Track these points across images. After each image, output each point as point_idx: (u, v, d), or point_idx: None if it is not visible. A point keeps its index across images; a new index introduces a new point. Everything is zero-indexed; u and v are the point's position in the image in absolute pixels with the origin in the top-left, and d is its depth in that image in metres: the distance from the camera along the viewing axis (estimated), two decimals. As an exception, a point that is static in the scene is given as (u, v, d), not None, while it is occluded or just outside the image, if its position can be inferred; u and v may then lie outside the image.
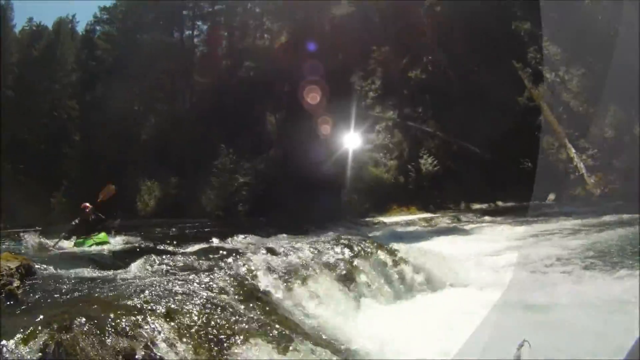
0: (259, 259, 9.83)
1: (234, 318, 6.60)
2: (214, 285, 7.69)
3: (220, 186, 43.92)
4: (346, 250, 11.47)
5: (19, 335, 4.90)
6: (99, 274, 8.20)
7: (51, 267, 8.65)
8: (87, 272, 8.48)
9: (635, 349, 3.37)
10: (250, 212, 40.13)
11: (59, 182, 55.25)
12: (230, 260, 9.55)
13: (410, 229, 27.46)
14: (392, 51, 42.13)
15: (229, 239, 15.69)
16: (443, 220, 29.91)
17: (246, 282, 8.43)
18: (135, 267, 8.84)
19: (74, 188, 52.12)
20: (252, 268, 9.21)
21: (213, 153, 44.60)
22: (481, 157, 35.09)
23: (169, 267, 8.89)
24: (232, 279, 8.23)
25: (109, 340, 5.13)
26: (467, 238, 21.84)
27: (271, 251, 10.57)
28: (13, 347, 4.76)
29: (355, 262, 11.03)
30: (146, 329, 5.49)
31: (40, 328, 5.05)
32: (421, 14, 41.43)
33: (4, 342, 4.82)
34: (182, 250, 11.61)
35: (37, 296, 6.46)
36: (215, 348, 5.79)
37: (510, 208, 31.05)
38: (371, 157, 39.82)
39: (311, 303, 8.81)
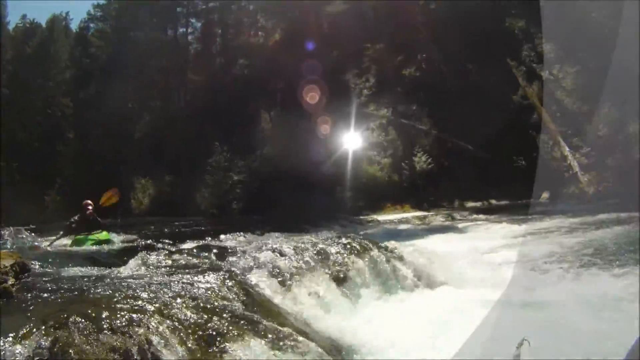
0: (254, 257, 9.85)
1: (229, 316, 6.60)
2: (209, 284, 7.68)
3: (215, 184, 43.91)
4: (340, 249, 11.48)
5: (14, 333, 4.88)
6: (94, 272, 8.20)
7: (46, 265, 8.67)
8: (82, 270, 8.49)
9: (635, 348, 3.38)
10: (244, 210, 40.13)
11: (52, 181, 55.17)
12: (224, 258, 9.59)
13: (404, 227, 27.49)
14: (386, 49, 42.13)
15: (224, 237, 15.69)
16: (437, 218, 29.99)
17: (241, 280, 8.43)
18: (130, 265, 8.85)
19: (68, 186, 52.13)
20: (247, 266, 9.24)
21: (207, 151, 44.58)
22: (475, 155, 35.13)
23: (163, 266, 8.90)
24: (226, 277, 8.22)
25: (104, 338, 5.12)
26: (460, 236, 21.89)
27: (266, 249, 10.57)
28: (8, 345, 4.74)
29: (350, 260, 11.04)
30: (142, 327, 5.49)
31: (35, 326, 5.04)
32: (416, 11, 41.46)
33: (-1, 339, 4.81)
34: (176, 249, 11.61)
35: (32, 294, 6.44)
36: (211, 346, 5.79)
37: (504, 206, 31.12)
38: (365, 155, 39.85)
39: (306, 301, 8.83)
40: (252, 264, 9.43)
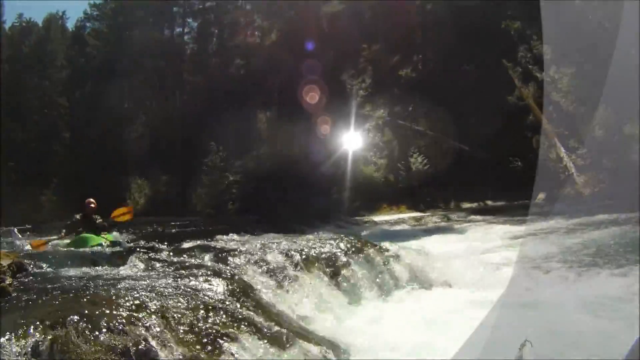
0: (250, 257, 9.88)
1: (226, 316, 6.63)
2: (206, 284, 7.72)
3: (211, 184, 43.90)
4: (336, 249, 11.52)
5: (11, 333, 4.90)
6: (91, 272, 8.21)
7: (43, 265, 8.66)
8: (80, 269, 8.49)
9: (635, 348, 3.39)
10: (240, 211, 40.12)
11: (49, 180, 55.01)
12: (221, 258, 9.60)
13: (400, 227, 27.57)
14: (382, 49, 42.17)
15: (220, 238, 15.70)
16: (433, 219, 30.05)
17: (238, 280, 8.46)
18: (127, 265, 8.89)
19: (64, 186, 52.01)
20: (244, 266, 9.27)
21: (203, 151, 44.56)
22: (471, 156, 35.19)
23: (160, 266, 8.93)
24: (223, 277, 8.26)
25: (102, 338, 5.14)
26: (457, 237, 21.93)
27: (262, 250, 10.61)
28: (6, 344, 4.76)
29: (346, 260, 11.09)
30: (140, 326, 5.51)
31: (33, 325, 5.05)
32: (412, 12, 41.50)
33: (-4, 339, 4.82)
34: (173, 249, 11.60)
35: (29, 293, 6.45)
36: (208, 346, 5.81)
37: (501, 207, 31.15)
38: (361, 156, 39.86)
39: (302, 301, 8.85)
40: (248, 264, 9.46)
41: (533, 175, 29.25)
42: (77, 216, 14.20)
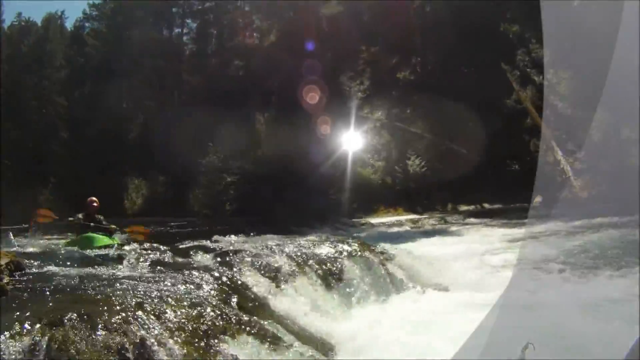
0: (247, 258, 9.89)
1: (222, 316, 6.65)
2: (203, 284, 7.73)
3: (208, 185, 43.85)
4: (333, 251, 11.55)
5: (9, 331, 4.91)
6: (89, 271, 8.19)
7: (41, 264, 8.64)
8: (77, 269, 8.48)
9: (635, 348, 3.42)
10: (237, 212, 40.08)
11: (47, 180, 55.02)
12: (218, 259, 9.62)
13: (397, 229, 27.62)
14: (381, 52, 42.17)
15: (217, 238, 15.66)
16: (430, 221, 30.11)
17: (235, 281, 8.48)
18: (124, 264, 8.89)
19: (62, 185, 52.02)
20: (240, 267, 9.27)
21: (201, 152, 44.54)
22: (468, 159, 35.20)
23: (157, 266, 8.93)
24: (220, 278, 8.28)
25: (100, 336, 5.16)
26: (454, 239, 21.97)
27: (259, 251, 10.62)
28: (3, 342, 4.77)
29: (343, 262, 11.10)
30: (137, 325, 5.53)
31: (30, 324, 5.07)
32: (411, 14, 41.51)
33: (-5, 336, 4.83)
34: (170, 249, 11.60)
35: (27, 292, 6.46)
36: (205, 345, 5.84)
37: (498, 210, 31.23)
38: (359, 158, 39.88)
39: (299, 302, 8.87)
40: (245, 264, 9.47)
41: (530, 178, 29.28)
42: (80, 215, 13.58)
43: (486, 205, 34.79)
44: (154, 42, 58.38)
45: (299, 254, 10.86)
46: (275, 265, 9.81)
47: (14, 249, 13.32)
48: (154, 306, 6.13)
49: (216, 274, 8.37)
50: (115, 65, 54.91)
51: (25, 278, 7.42)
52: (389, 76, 41.21)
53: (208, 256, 9.92)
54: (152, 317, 5.82)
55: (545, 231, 20.92)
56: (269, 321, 7.31)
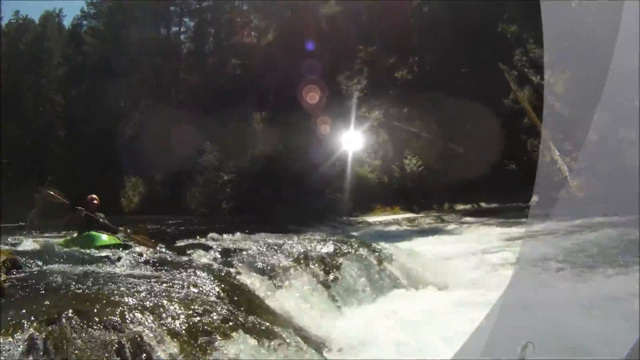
0: (244, 257, 9.91)
1: (219, 314, 6.65)
2: (200, 282, 7.74)
3: (205, 183, 43.88)
4: (330, 249, 11.58)
5: (6, 329, 4.91)
6: (86, 269, 8.18)
7: (38, 262, 8.63)
8: (74, 266, 8.47)
9: (635, 348, 3.43)
10: (234, 210, 40.10)
11: (44, 178, 54.89)
12: (214, 258, 9.63)
13: (394, 228, 27.64)
14: (379, 51, 42.19)
15: (214, 237, 15.69)
16: (426, 220, 30.12)
17: (231, 279, 8.49)
18: (122, 262, 8.88)
19: (59, 184, 51.93)
20: (237, 265, 9.28)
21: (198, 150, 44.56)
22: (465, 158, 35.23)
23: (154, 264, 8.93)
24: (217, 276, 8.29)
25: (97, 334, 5.16)
26: (450, 238, 22.01)
27: (256, 249, 10.65)
28: (0, 340, 4.77)
29: (339, 260, 11.13)
30: (134, 323, 5.53)
31: (27, 321, 5.06)
32: (408, 14, 41.53)
33: (-10, 334, 4.83)
34: (167, 248, 11.60)
35: (23, 290, 6.46)
36: (202, 343, 5.84)
37: (494, 209, 31.25)
38: (356, 157, 39.89)
39: (295, 300, 8.87)
40: (242, 263, 9.49)
41: (527, 177, 29.33)
42: (81, 213, 12.99)
43: (483, 205, 34.84)
44: (152, 41, 58.42)
45: (295, 252, 10.88)
46: (272, 263, 9.83)
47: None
48: (151, 304, 6.14)
49: (213, 273, 8.38)
50: (113, 64, 54.94)
51: (22, 276, 7.42)
52: (386, 76, 41.22)
53: (205, 255, 9.92)
54: (149, 315, 5.82)
55: (542, 230, 20.93)
56: (266, 319, 7.31)
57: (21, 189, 46.69)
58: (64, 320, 5.15)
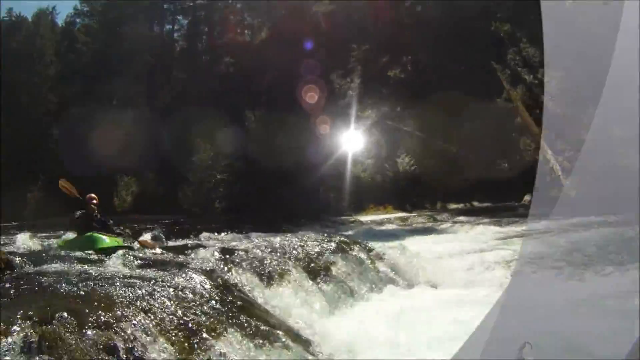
0: (237, 256, 9.94)
1: (211, 314, 6.71)
2: (193, 282, 7.76)
3: (198, 183, 43.83)
4: (322, 248, 11.62)
5: None
6: (79, 269, 8.19)
7: (31, 263, 8.63)
8: (67, 267, 8.48)
9: (635, 348, 3.47)
10: (227, 209, 40.11)
11: (36, 177, 54.70)
12: (207, 257, 9.65)
13: (387, 227, 27.63)
14: (372, 50, 42.18)
15: (207, 236, 15.75)
16: (419, 219, 30.10)
17: (223, 279, 8.54)
18: (115, 262, 8.88)
19: (52, 183, 51.79)
20: (229, 265, 9.32)
21: (191, 149, 44.51)
22: (458, 157, 35.26)
23: (147, 263, 8.95)
24: (209, 275, 8.32)
25: (90, 334, 5.19)
26: (442, 237, 21.99)
27: (248, 248, 10.67)
28: (-6, 339, 4.79)
29: (331, 259, 11.18)
30: (127, 323, 5.57)
31: (21, 321, 5.08)
32: (402, 13, 41.54)
33: (-16, 334, 4.85)
34: (160, 247, 11.60)
35: (17, 290, 6.47)
36: (194, 342, 5.89)
37: (486, 208, 31.27)
38: (349, 156, 39.86)
39: (287, 299, 8.91)
40: (235, 262, 9.52)
41: (520, 176, 29.38)
42: (78, 212, 12.64)
43: (476, 204, 34.85)
44: (145, 39, 58.31)
45: (288, 252, 10.93)
46: (265, 263, 9.87)
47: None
48: (144, 304, 6.18)
49: (206, 272, 8.41)
50: (106, 62, 54.84)
51: (15, 276, 7.44)
52: (379, 74, 41.21)
53: (197, 254, 9.94)
54: (142, 314, 5.87)
55: (536, 229, 20.94)
56: (258, 318, 7.36)
57: (13, 188, 46.61)
58: (57, 321, 5.18)
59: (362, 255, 12.06)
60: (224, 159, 43.73)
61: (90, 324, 5.30)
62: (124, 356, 5.17)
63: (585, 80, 27.01)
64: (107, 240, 11.84)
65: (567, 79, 31.27)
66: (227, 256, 9.79)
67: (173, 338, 5.77)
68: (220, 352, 5.90)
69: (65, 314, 5.28)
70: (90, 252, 10.64)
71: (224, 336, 6.22)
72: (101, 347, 5.11)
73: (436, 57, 39.06)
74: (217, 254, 9.82)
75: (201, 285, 7.74)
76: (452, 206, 35.10)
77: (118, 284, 6.88)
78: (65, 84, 60.41)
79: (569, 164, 30.78)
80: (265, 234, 16.29)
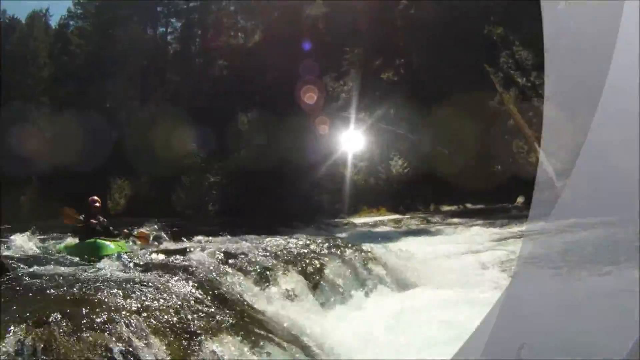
0: (230, 258, 9.95)
1: (205, 316, 6.72)
2: (186, 284, 7.78)
3: (191, 185, 43.80)
4: (316, 251, 11.63)
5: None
6: (74, 272, 8.21)
7: (25, 266, 8.66)
8: (62, 269, 8.50)
9: (635, 348, 3.48)
10: (220, 212, 40.08)
11: (29, 180, 54.59)
12: (201, 259, 9.64)
13: (380, 229, 27.66)
14: (365, 52, 42.20)
15: (200, 239, 15.74)
16: (412, 221, 30.13)
17: (217, 281, 8.54)
18: (109, 265, 8.89)
19: (45, 185, 51.69)
20: (223, 267, 9.32)
21: (184, 152, 44.49)
22: (451, 160, 35.27)
23: (142, 266, 8.96)
24: (203, 278, 8.35)
25: (85, 336, 5.20)
26: (436, 239, 22.03)
27: (241, 251, 10.67)
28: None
29: (325, 261, 11.17)
30: (121, 325, 5.59)
31: (15, 324, 5.10)
32: (395, 15, 41.55)
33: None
34: (153, 249, 11.61)
35: (11, 293, 6.49)
36: (188, 344, 5.90)
37: (480, 210, 31.30)
38: (343, 159, 39.85)
39: (280, 302, 8.93)
40: (228, 264, 9.52)
41: (513, 179, 29.43)
42: (81, 217, 12.40)
43: (469, 206, 34.85)
44: (139, 41, 58.25)
45: (282, 254, 10.93)
46: (259, 265, 9.88)
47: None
48: (139, 306, 6.19)
49: (200, 274, 8.43)
50: (99, 64, 54.77)
51: (9, 279, 7.44)
52: (372, 77, 41.23)
53: (191, 257, 9.92)
54: (136, 316, 5.88)
55: (530, 230, 20.88)
56: (251, 320, 7.38)
57: (6, 191, 46.44)
58: (51, 323, 5.19)
59: (356, 258, 12.06)
60: (217, 162, 43.73)
61: (84, 326, 5.31)
62: (119, 358, 5.17)
63: (578, 82, 27.02)
64: (112, 246, 11.63)
65: (559, 81, 31.31)
66: (221, 258, 9.80)
67: (167, 340, 5.79)
68: (215, 354, 5.92)
69: (59, 317, 5.29)
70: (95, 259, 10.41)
71: (218, 338, 6.24)
72: (96, 348, 5.12)
73: (429, 60, 39.07)
74: (210, 256, 9.82)
75: (195, 287, 7.76)
76: (445, 208, 35.13)
77: (113, 286, 6.90)
78: (58, 86, 60.26)
79: (564, 165, 30.83)
80: (259, 236, 16.27)
